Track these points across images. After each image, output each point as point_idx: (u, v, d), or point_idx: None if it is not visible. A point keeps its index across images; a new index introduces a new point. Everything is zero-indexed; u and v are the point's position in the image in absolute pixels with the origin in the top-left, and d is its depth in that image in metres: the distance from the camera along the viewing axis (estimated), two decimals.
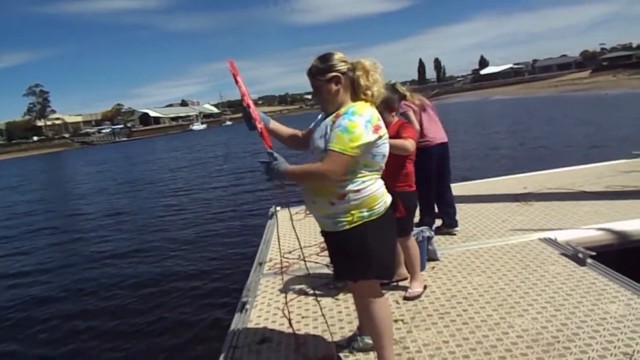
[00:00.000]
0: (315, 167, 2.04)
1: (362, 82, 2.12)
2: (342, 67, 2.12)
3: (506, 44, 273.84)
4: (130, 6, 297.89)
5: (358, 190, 2.07)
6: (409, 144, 3.05)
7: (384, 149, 2.12)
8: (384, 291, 2.35)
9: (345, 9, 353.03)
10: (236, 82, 2.29)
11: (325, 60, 2.14)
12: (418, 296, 3.07)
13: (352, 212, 2.09)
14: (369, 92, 2.13)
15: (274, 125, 2.40)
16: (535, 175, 6.63)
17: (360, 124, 1.99)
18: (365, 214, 2.09)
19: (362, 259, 2.13)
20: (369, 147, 2.02)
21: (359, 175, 2.07)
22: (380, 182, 2.18)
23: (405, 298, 3.07)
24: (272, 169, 2.08)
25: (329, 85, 2.13)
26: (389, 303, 2.38)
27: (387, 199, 2.19)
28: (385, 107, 3.01)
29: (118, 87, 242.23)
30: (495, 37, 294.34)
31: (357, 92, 2.14)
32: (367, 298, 2.24)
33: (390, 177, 2.60)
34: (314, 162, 2.09)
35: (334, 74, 2.11)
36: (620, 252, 3.66)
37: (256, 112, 2.29)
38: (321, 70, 2.13)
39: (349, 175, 2.05)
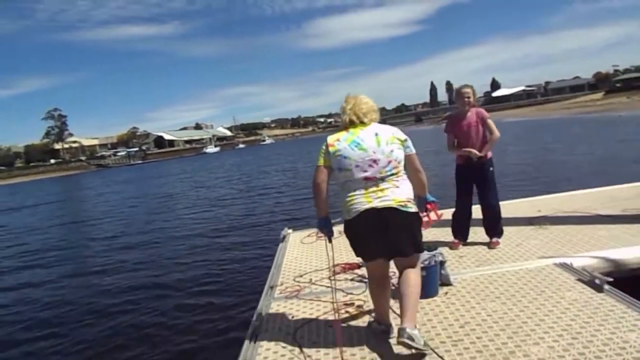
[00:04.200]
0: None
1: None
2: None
3: (518, 66, 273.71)
4: (147, 33, 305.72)
5: (340, 196, 2.84)
6: None
7: (337, 163, 2.77)
8: None
9: (356, 34, 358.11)
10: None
11: None
12: None
13: None
14: (341, 123, 2.94)
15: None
16: (549, 199, 6.55)
17: (324, 144, 2.85)
18: (344, 214, 2.83)
19: (350, 243, 2.94)
20: (330, 160, 2.79)
21: (338, 185, 2.85)
22: (351, 195, 2.75)
23: None
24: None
25: None
26: (384, 280, 2.94)
27: (357, 207, 2.72)
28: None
29: (134, 111, 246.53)
30: (506, 60, 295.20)
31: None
32: None
33: None
34: None
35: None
36: (639, 278, 3.56)
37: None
38: None
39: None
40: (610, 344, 2.50)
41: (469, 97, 4.45)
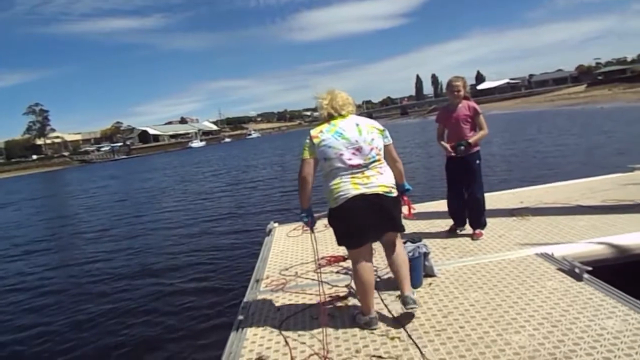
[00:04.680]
0: None
1: None
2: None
3: (502, 59, 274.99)
4: (129, 25, 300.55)
5: (325, 185, 2.94)
6: None
7: (322, 153, 2.87)
8: None
9: (342, 27, 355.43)
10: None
11: None
12: None
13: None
14: (320, 118, 3.03)
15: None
16: (531, 190, 6.64)
17: (307, 137, 2.94)
18: (330, 202, 2.92)
19: (334, 232, 3.01)
20: (316, 152, 2.88)
21: (323, 175, 2.95)
22: (337, 183, 2.85)
23: None
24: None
25: None
26: (369, 270, 2.97)
27: (344, 194, 2.83)
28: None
29: (117, 106, 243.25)
30: (490, 53, 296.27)
31: None
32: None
33: None
34: None
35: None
36: (617, 267, 3.65)
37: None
38: None
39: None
40: (588, 331, 2.56)
41: (458, 90, 4.46)
